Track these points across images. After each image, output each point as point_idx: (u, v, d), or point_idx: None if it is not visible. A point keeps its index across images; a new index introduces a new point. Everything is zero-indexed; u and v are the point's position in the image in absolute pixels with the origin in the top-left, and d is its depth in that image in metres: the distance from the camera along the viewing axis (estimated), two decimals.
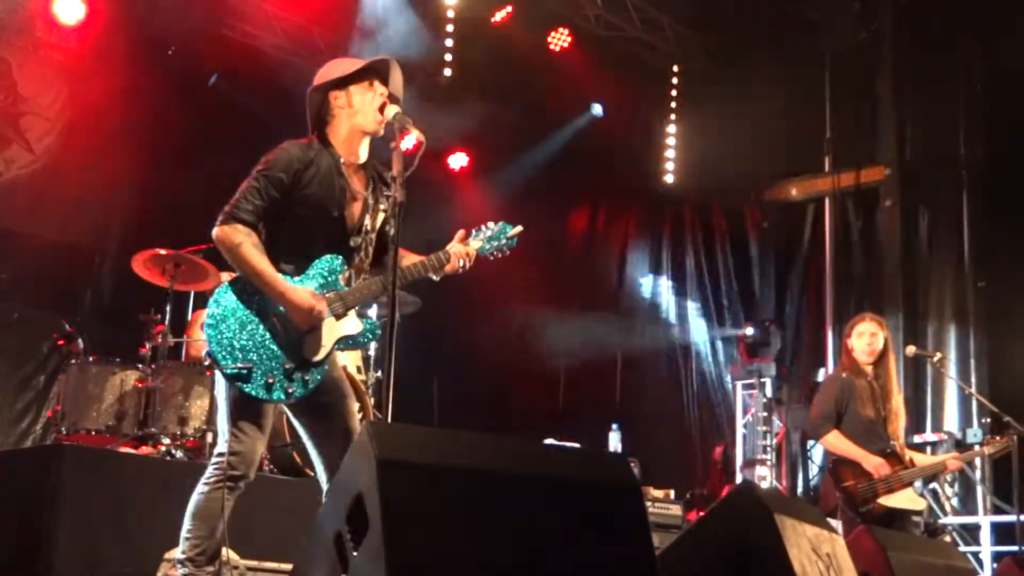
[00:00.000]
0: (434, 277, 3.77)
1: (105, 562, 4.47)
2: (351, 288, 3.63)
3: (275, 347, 3.50)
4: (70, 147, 8.70)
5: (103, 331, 7.91)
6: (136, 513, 4.64)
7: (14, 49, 8.53)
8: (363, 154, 3.75)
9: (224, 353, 3.44)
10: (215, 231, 3.52)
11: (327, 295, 3.57)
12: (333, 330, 3.58)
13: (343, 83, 3.70)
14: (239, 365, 3.42)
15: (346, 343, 3.62)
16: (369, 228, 3.73)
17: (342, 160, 3.67)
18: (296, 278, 3.56)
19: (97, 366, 6.21)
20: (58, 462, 4.57)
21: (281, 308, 3.50)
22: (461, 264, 3.77)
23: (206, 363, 3.54)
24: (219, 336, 3.45)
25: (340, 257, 3.63)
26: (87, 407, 6.05)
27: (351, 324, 3.62)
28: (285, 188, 3.55)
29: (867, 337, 5.85)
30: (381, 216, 3.77)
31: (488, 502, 2.40)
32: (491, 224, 3.89)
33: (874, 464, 5.58)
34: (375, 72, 3.73)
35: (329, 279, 3.60)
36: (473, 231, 3.87)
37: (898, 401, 5.85)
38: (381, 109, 3.67)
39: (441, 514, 2.30)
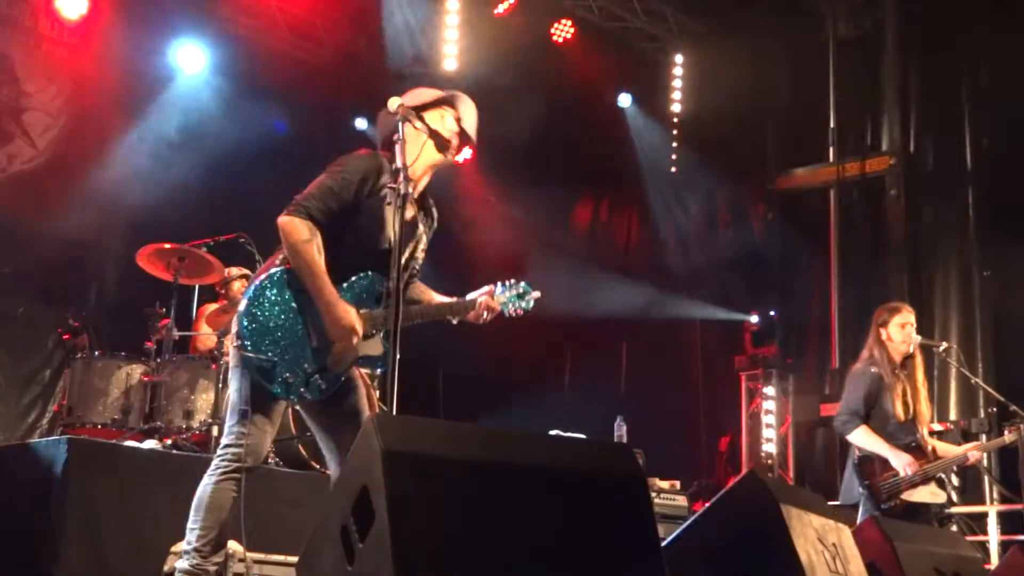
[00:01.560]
0: (453, 321, 3.82)
1: (111, 555, 4.48)
2: (383, 311, 3.61)
3: (302, 349, 3.51)
4: (73, 142, 8.71)
5: (108, 325, 7.91)
6: (142, 507, 4.64)
7: (17, 44, 8.53)
8: (423, 184, 3.78)
9: (254, 340, 3.45)
10: (283, 218, 3.50)
11: (361, 312, 3.57)
12: (358, 347, 3.58)
13: (417, 110, 3.71)
14: (265, 357, 3.44)
15: (365, 362, 3.65)
16: (412, 255, 3.76)
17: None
18: (338, 287, 3.55)
19: (102, 360, 6.23)
20: (64, 456, 4.57)
21: (320, 314, 3.49)
22: (484, 316, 3.80)
23: (235, 343, 3.52)
24: (254, 323, 3.47)
25: (383, 279, 3.61)
26: (93, 401, 6.08)
27: (374, 346, 3.63)
28: (360, 194, 3.56)
29: (909, 328, 5.69)
30: (422, 246, 3.80)
31: (493, 493, 2.40)
32: (514, 282, 3.89)
33: (903, 463, 5.47)
34: (449, 105, 3.78)
35: (363, 297, 3.60)
36: (499, 286, 3.88)
37: (924, 394, 5.74)
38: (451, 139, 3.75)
39: (447, 505, 2.30)
